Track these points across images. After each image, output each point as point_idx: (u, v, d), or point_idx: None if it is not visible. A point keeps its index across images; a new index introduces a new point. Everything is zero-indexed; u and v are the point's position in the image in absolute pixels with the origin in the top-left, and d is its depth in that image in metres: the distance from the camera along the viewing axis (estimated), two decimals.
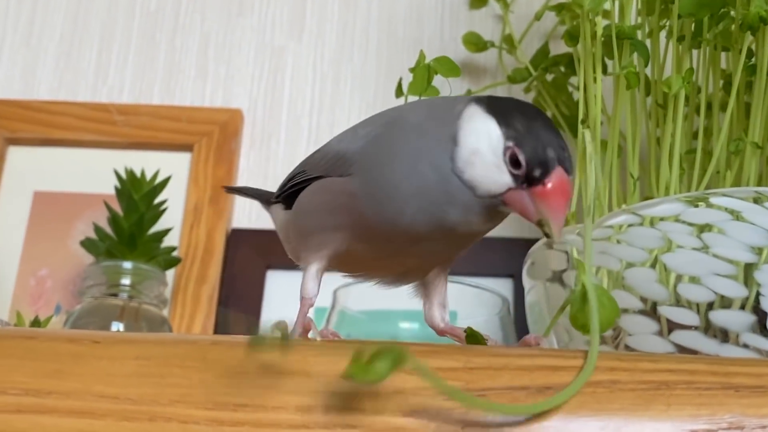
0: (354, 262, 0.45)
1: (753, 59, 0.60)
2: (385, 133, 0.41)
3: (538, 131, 0.38)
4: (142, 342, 0.35)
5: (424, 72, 0.64)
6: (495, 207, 0.39)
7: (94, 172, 0.83)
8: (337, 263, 0.45)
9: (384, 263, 0.45)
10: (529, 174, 0.38)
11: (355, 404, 0.33)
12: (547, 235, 0.38)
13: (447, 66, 0.64)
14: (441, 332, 0.44)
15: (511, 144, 0.38)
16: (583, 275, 0.38)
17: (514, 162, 0.38)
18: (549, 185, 0.38)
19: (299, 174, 0.46)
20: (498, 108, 0.39)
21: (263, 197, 0.52)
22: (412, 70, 0.66)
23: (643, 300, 0.56)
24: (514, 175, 0.38)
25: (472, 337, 0.41)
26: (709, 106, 0.63)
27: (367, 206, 0.40)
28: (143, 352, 0.34)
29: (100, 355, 0.34)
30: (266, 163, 0.84)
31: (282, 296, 0.80)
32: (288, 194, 0.47)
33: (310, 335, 0.39)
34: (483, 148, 0.38)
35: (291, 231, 0.46)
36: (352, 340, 0.36)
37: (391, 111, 0.45)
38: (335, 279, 0.51)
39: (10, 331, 0.36)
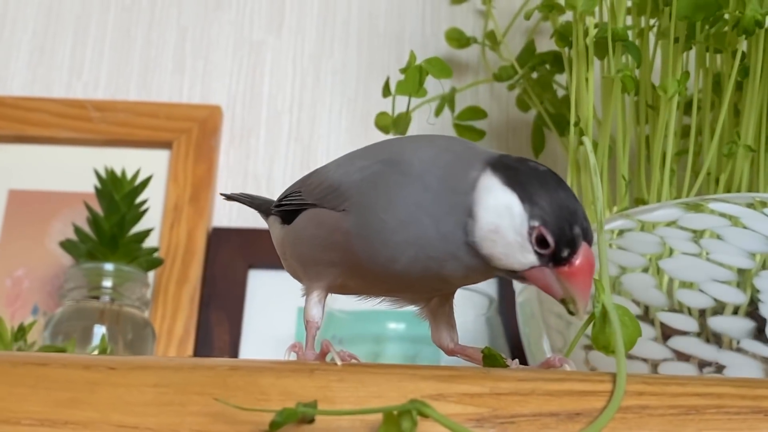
0: (352, 292, 0.45)
1: (744, 61, 0.60)
2: (384, 172, 0.40)
3: (562, 206, 0.37)
4: (159, 368, 0.34)
5: (416, 73, 0.64)
6: (509, 277, 0.39)
7: (70, 170, 0.81)
8: (336, 290, 0.44)
9: (382, 295, 0.44)
10: (556, 254, 0.37)
11: None
12: (570, 312, 0.37)
13: (438, 67, 0.64)
14: (450, 352, 0.43)
15: (536, 224, 0.37)
16: (603, 295, 0.37)
17: (540, 242, 0.37)
18: (576, 264, 0.37)
19: (295, 194, 0.46)
20: (517, 179, 0.37)
21: (261, 207, 0.51)
22: (402, 70, 0.65)
23: (640, 305, 0.56)
24: (539, 254, 0.37)
25: (491, 359, 0.40)
26: (690, 106, 0.63)
27: (360, 247, 0.40)
28: (161, 379, 0.33)
29: (117, 383, 0.33)
30: (246, 160, 0.83)
31: (265, 296, 0.79)
32: (285, 211, 0.47)
33: (327, 358, 0.39)
34: (504, 226, 0.37)
35: (288, 251, 0.46)
36: (372, 363, 0.35)
37: (391, 146, 0.44)
38: None
39: (21, 357, 0.35)
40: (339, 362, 0.36)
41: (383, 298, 0.44)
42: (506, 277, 0.39)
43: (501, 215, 0.37)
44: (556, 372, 0.35)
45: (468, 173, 0.38)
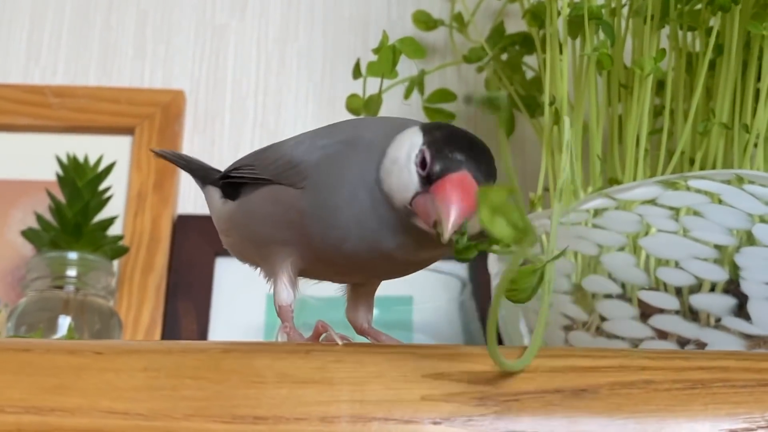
0: (309, 274, 0.44)
1: (717, 38, 0.60)
2: (341, 152, 0.41)
3: (454, 137, 0.38)
4: (148, 352, 0.33)
5: (389, 53, 0.63)
6: (414, 224, 0.38)
7: (29, 158, 0.79)
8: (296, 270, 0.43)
9: (333, 278, 0.44)
10: (430, 172, 0.37)
11: (384, 413, 0.31)
12: (439, 235, 0.36)
13: (412, 47, 0.63)
14: (362, 332, 0.43)
15: (423, 147, 0.38)
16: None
17: (422, 163, 0.38)
18: (443, 181, 0.37)
19: (247, 167, 0.44)
20: (431, 126, 0.39)
21: (197, 173, 0.49)
22: (375, 51, 0.64)
23: (620, 284, 0.56)
24: (420, 177, 0.37)
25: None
26: (661, 85, 0.63)
27: (314, 227, 0.40)
28: (151, 362, 0.32)
29: (105, 368, 0.32)
30: (211, 147, 0.81)
31: (232, 283, 0.77)
32: (230, 183, 0.45)
33: (321, 339, 0.38)
34: (401, 155, 0.38)
35: (235, 230, 0.45)
36: (371, 343, 0.34)
37: (352, 126, 0.44)
38: None
39: (3, 343, 0.33)
40: (340, 342, 0.35)
41: (338, 282, 0.44)
42: (416, 225, 0.38)
43: (402, 147, 0.39)
44: (560, 348, 0.35)
45: (401, 132, 0.40)
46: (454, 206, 0.35)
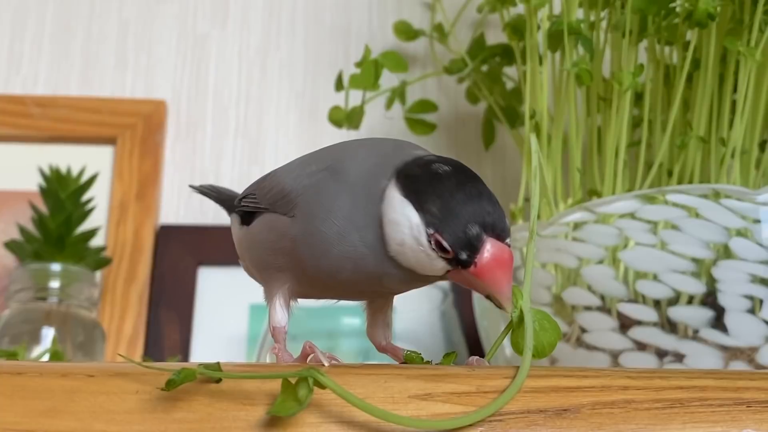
0: (308, 295, 0.44)
1: (695, 53, 0.61)
2: (326, 180, 0.40)
3: (454, 209, 0.36)
4: (140, 374, 0.33)
5: (371, 67, 0.63)
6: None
7: (10, 168, 0.79)
8: (293, 294, 0.44)
9: (335, 298, 0.44)
10: (457, 258, 0.36)
11: None
12: (500, 307, 0.36)
13: (394, 61, 0.64)
14: (382, 349, 0.44)
15: (432, 231, 0.36)
16: (520, 300, 0.37)
17: (440, 248, 0.36)
18: (481, 264, 0.36)
19: (251, 196, 0.45)
20: (413, 187, 0.37)
21: (226, 203, 0.50)
22: (358, 64, 0.65)
23: (599, 296, 0.57)
24: (445, 259, 0.36)
25: (411, 362, 0.41)
26: (640, 96, 0.64)
27: (305, 255, 0.40)
28: (143, 385, 0.33)
29: (97, 391, 0.33)
30: (193, 156, 0.82)
31: (215, 293, 0.78)
32: (244, 211, 0.46)
33: (308, 360, 0.38)
34: (407, 239, 0.36)
35: (245, 254, 0.45)
36: (358, 364, 0.35)
37: (338, 150, 0.44)
38: None
39: None
40: (326, 363, 0.35)
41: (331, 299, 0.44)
42: (441, 280, 0.39)
43: (402, 228, 0.37)
44: (543, 368, 0.36)
45: (380, 181, 0.38)
46: (505, 287, 0.36)
